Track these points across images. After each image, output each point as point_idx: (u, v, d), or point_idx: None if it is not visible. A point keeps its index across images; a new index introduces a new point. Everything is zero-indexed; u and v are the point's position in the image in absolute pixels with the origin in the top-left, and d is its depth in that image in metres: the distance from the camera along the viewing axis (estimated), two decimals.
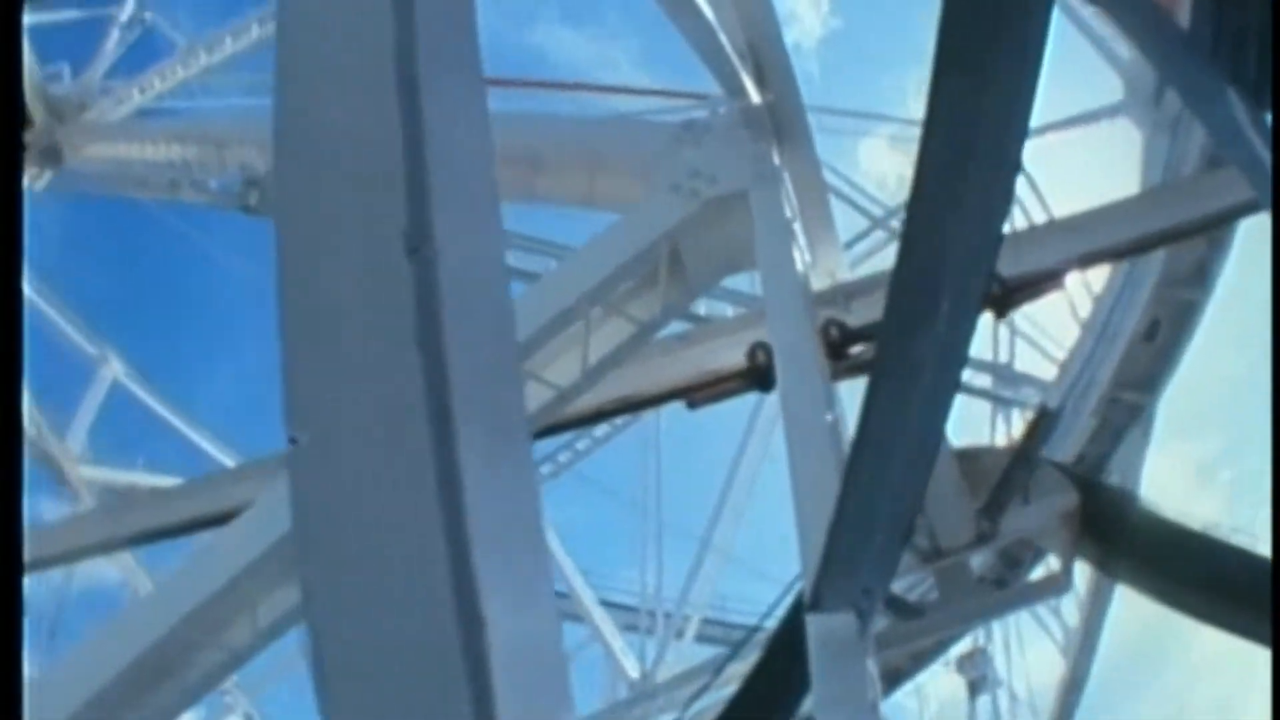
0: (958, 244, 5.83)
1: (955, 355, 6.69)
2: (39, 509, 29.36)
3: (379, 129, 3.10)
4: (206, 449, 27.97)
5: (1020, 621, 22.45)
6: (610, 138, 12.78)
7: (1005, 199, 5.97)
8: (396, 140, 3.05)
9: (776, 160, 10.69)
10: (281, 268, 3.11)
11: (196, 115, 21.90)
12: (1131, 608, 19.48)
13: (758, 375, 10.01)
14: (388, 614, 2.76)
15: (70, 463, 26.74)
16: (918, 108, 33.46)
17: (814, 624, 7.72)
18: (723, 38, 10.92)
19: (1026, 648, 23.79)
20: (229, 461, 25.29)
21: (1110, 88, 20.85)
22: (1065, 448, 16.73)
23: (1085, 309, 18.30)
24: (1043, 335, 19.76)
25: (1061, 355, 18.97)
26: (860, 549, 7.52)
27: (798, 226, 10.62)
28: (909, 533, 8.07)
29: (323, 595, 2.86)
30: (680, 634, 25.60)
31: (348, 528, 2.86)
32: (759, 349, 9.93)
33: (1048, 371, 19.31)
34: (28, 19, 22.38)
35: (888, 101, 44.19)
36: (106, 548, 16.11)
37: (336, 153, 3.20)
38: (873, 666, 7.83)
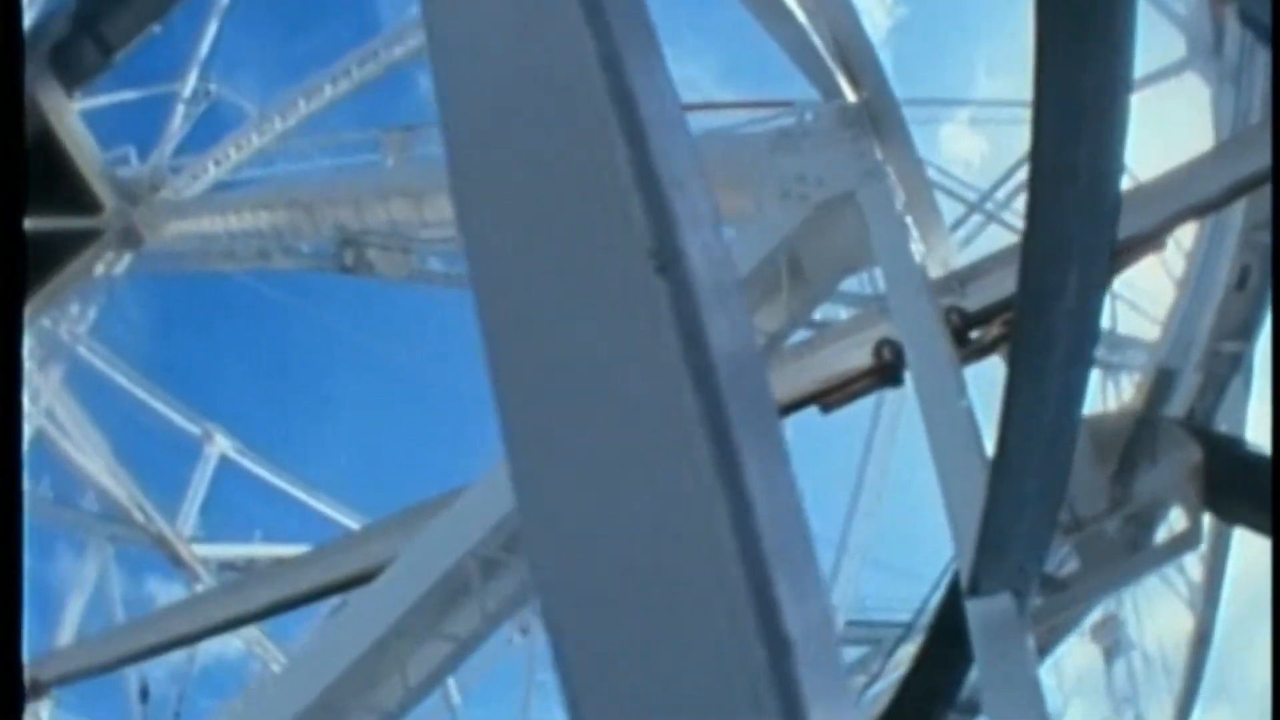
0: (1080, 214, 6.03)
1: (1088, 326, 6.84)
2: (154, 592, 30.08)
3: (598, 146, 3.14)
4: (325, 513, 28.30)
5: (1146, 582, 22.46)
6: (705, 154, 12.83)
7: (1118, 164, 6.05)
8: (621, 157, 3.08)
9: (879, 156, 10.83)
10: (497, 298, 3.18)
11: (279, 181, 22.13)
12: (1252, 556, 19.37)
13: (887, 372, 10.18)
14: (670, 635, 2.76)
15: (183, 544, 27.12)
16: (990, 87, 33.44)
17: (974, 609, 7.90)
18: (816, 41, 11.04)
19: (1152, 607, 23.90)
20: (350, 523, 25.57)
21: (1172, 46, 20.67)
22: (1175, 405, 16.68)
23: (1178, 267, 18.19)
24: (1140, 297, 19.64)
25: (1160, 315, 18.86)
26: (1013, 530, 7.67)
27: (908, 219, 10.61)
28: (1059, 508, 8.15)
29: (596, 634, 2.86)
30: None
31: (635, 560, 2.88)
32: (885, 346, 10.08)
33: (1149, 332, 19.20)
34: (86, 104, 22.91)
35: (959, 84, 44.24)
36: (237, 623, 16.40)
37: (552, 173, 3.24)
38: (1032, 644, 8.12)
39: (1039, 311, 6.46)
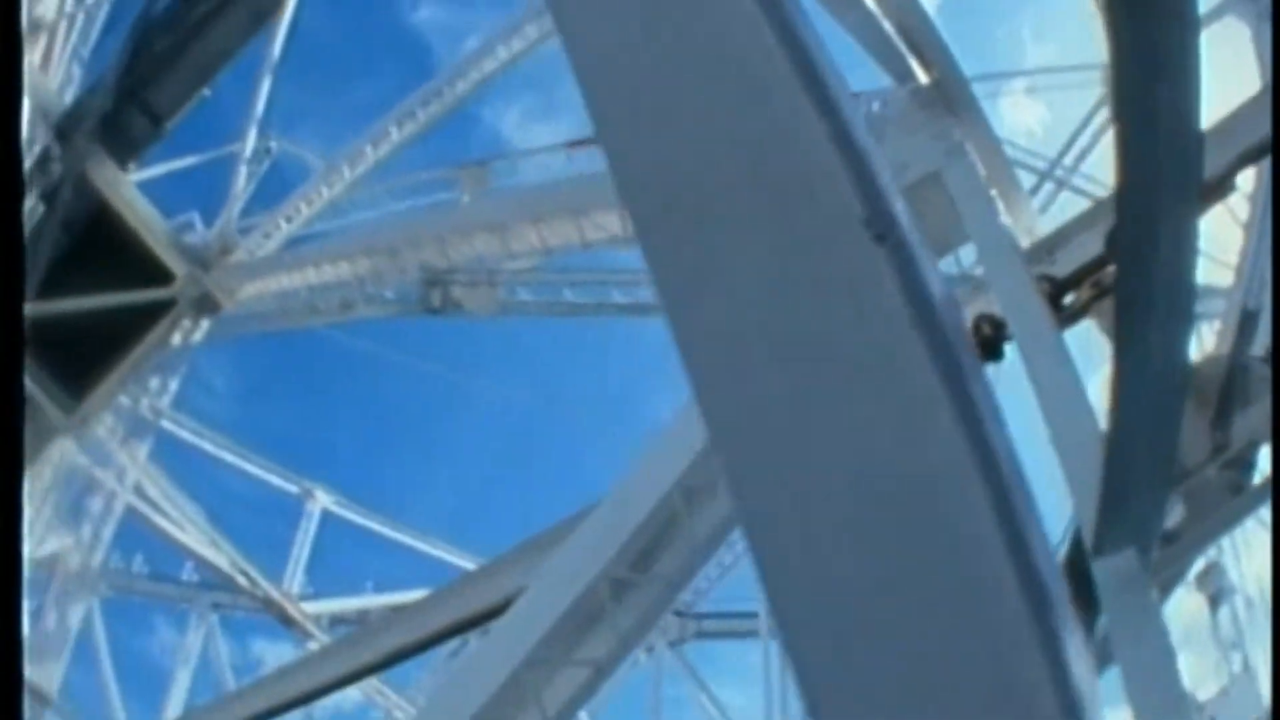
0: (1166, 161, 6.14)
1: (1185, 273, 6.92)
2: (261, 654, 30.44)
3: (793, 123, 3.26)
4: (437, 556, 28.54)
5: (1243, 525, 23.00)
6: None
7: (1195, 108, 6.07)
8: (819, 132, 3.21)
9: (958, 134, 11.07)
10: (710, 294, 3.33)
11: (356, 229, 22.21)
12: None
13: (988, 346, 10.40)
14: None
15: (292, 603, 27.28)
16: (1040, 54, 33.50)
17: (1100, 568, 8.05)
18: (887, 26, 11.32)
19: (1250, 551, 24.26)
20: (462, 564, 25.73)
21: None
22: (1256, 346, 16.83)
23: (1242, 211, 18.25)
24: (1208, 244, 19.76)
25: (1230, 260, 18.93)
26: (1133, 486, 7.93)
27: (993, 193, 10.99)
28: (1173, 461, 8.36)
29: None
30: None
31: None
32: (984, 321, 10.31)
33: (1223, 278, 19.29)
34: (143, 175, 22.96)
35: (1010, 55, 44.24)
36: (360, 674, 16.53)
37: (763, 157, 3.33)
38: (1157, 598, 8.42)
39: (1137, 264, 6.67)
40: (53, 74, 25.78)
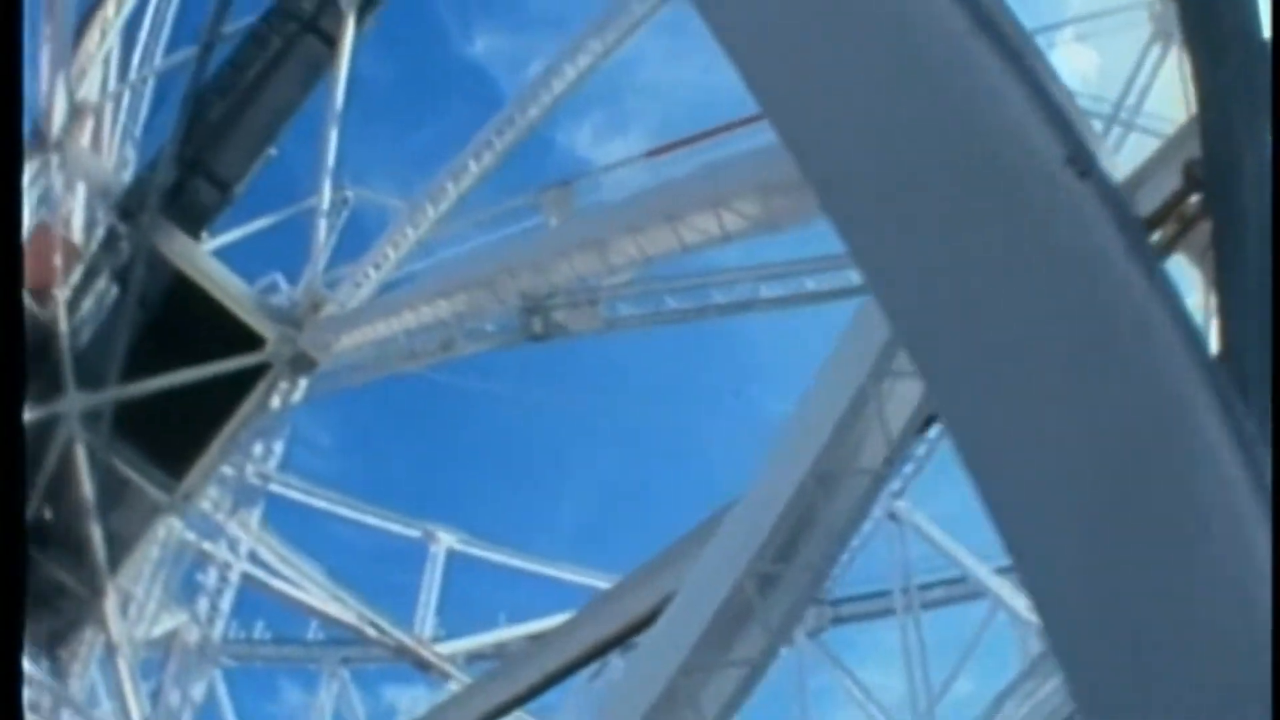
0: (1239, 82, 6.17)
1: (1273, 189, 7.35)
2: (394, 700, 30.99)
3: (982, 75, 3.56)
4: (568, 580, 28.90)
5: None
6: None
7: (1258, 21, 6.22)
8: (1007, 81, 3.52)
9: None
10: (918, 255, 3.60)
11: (449, 266, 22.28)
12: None
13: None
14: None
15: (426, 647, 27.63)
16: (1082, 1, 33.54)
17: None
18: None
19: None
20: (595, 584, 25.99)
21: None
22: None
23: None
24: None
25: None
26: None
27: None
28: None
29: None
30: None
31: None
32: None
33: None
34: (219, 242, 23.18)
35: (1052, 4, 44.48)
36: (511, 706, 16.70)
37: (971, 117, 3.62)
38: None
39: (1226, 186, 6.90)
40: (105, 155, 26.06)
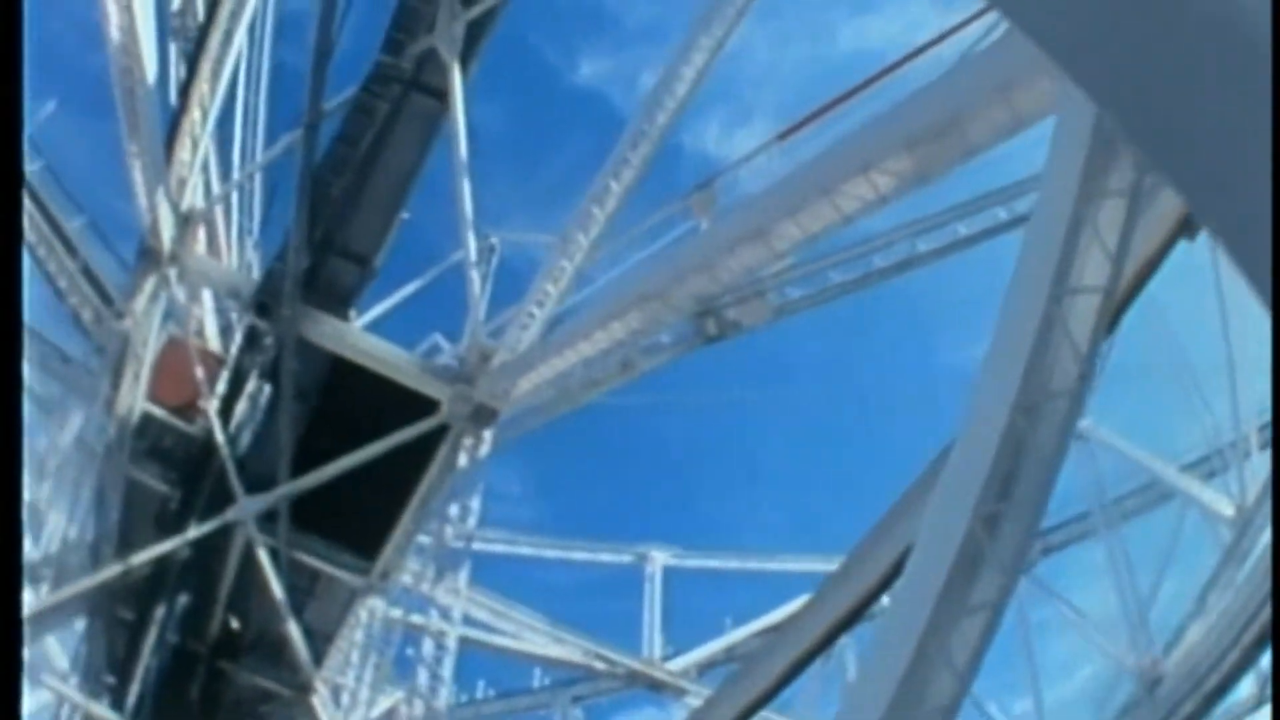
0: None
1: None
2: None
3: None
4: (789, 570, 29.57)
5: None
6: (1000, 60, 13.96)
7: None
8: None
9: None
10: None
11: (612, 289, 22.73)
12: None
13: None
14: None
15: (659, 667, 28.41)
16: None
17: None
18: None
19: None
20: (817, 568, 26.53)
21: None
22: None
23: None
24: None
25: None
26: None
27: None
28: None
29: None
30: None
31: None
32: None
33: None
34: (368, 316, 23.75)
35: None
36: (759, 705, 17.10)
37: None
38: None
39: None
40: (225, 258, 26.68)
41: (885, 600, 15.59)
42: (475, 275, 23.05)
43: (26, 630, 24.09)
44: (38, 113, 33.60)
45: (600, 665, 28.63)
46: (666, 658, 29.61)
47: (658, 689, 28.94)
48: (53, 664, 33.57)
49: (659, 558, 30.41)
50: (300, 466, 23.85)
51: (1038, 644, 29.02)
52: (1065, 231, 10.73)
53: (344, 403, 23.82)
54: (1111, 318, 11.31)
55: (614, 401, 25.39)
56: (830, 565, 22.15)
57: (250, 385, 24.59)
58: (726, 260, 19.18)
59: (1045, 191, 11.59)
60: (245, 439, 24.78)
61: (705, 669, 29.59)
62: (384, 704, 26.39)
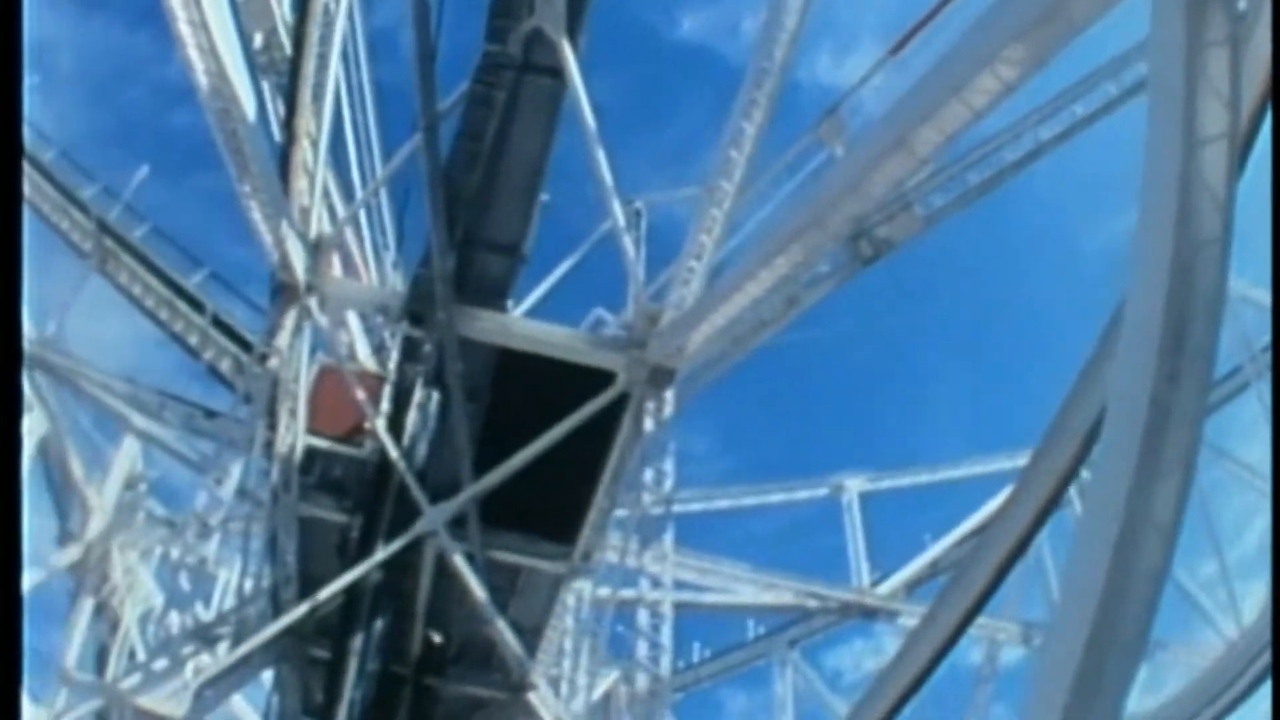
0: None
1: None
2: (843, 660, 33.02)
3: None
4: (977, 474, 30.35)
5: None
6: None
7: None
8: None
9: None
10: None
11: (767, 229, 23.55)
12: None
13: None
14: None
15: (870, 594, 29.37)
16: None
17: None
18: None
19: None
20: (1006, 467, 27.35)
21: None
22: None
23: None
24: None
25: None
26: None
27: None
28: None
29: None
30: None
31: None
32: None
33: None
34: (527, 304, 24.66)
35: None
36: (970, 616, 17.63)
37: None
38: None
39: None
40: (364, 278, 27.62)
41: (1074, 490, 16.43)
42: (628, 241, 23.97)
43: (211, 694, 25.09)
44: (131, 179, 34.87)
45: (813, 603, 29.59)
46: (875, 584, 30.63)
47: (871, 616, 29.91)
48: None
49: (852, 485, 31.42)
50: (482, 465, 24.84)
51: (1214, 504, 29.74)
52: (1183, 88, 11.44)
53: (516, 393, 24.75)
54: (1238, 163, 12.04)
55: (783, 341, 26.33)
56: (1019, 461, 22.87)
57: (417, 395, 25.36)
58: (873, 177, 19.89)
59: (1154, 56, 12.20)
60: (421, 450, 25.53)
61: (914, 588, 30.56)
62: (603, 686, 27.33)
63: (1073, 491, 17.00)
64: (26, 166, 35.82)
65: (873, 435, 46.05)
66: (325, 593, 25.06)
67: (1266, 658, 24.98)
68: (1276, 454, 9.61)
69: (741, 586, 29.91)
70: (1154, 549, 11.29)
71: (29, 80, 37.44)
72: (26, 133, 36.21)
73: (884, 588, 30.80)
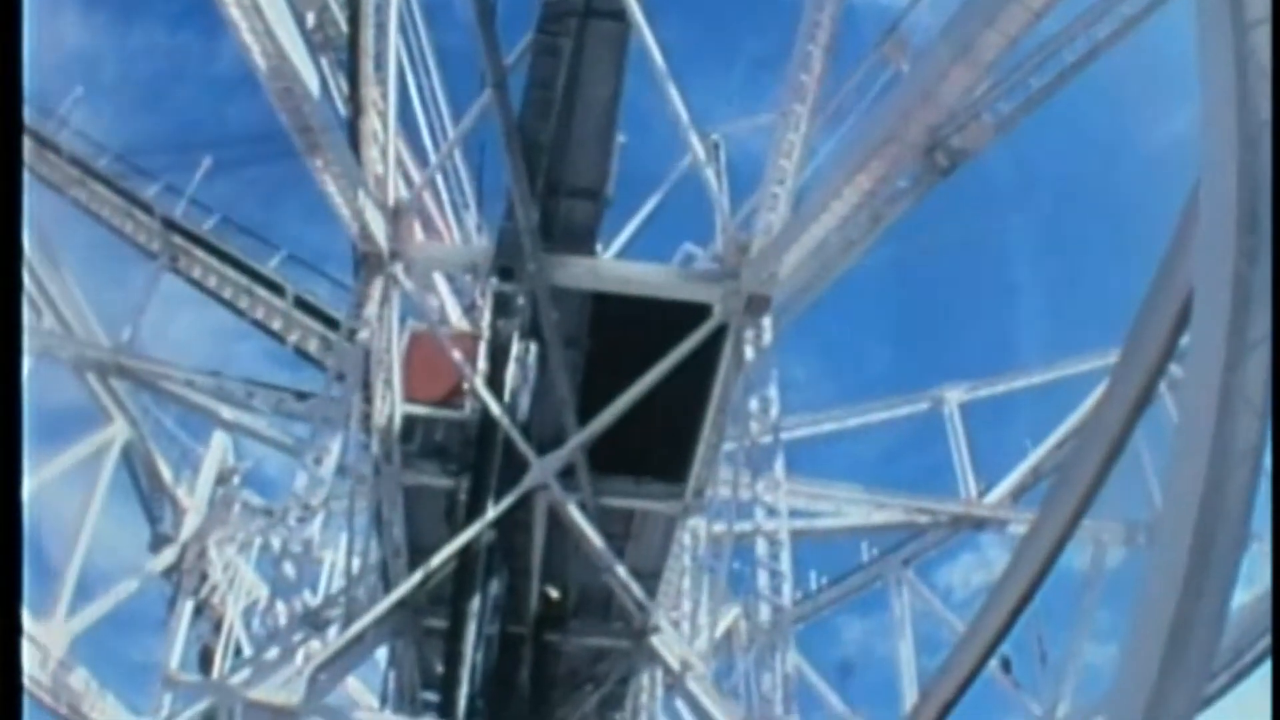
0: None
1: None
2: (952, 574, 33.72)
3: None
4: (1071, 374, 31.10)
5: None
6: None
7: None
8: None
9: None
10: None
11: (841, 149, 24.32)
12: None
13: None
14: None
15: (977, 505, 30.15)
16: None
17: None
18: None
19: None
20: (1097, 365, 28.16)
21: None
22: None
23: None
24: None
25: None
26: None
27: None
28: None
29: None
30: None
31: None
32: None
33: None
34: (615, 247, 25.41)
35: None
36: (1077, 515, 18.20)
37: None
38: None
39: None
40: (448, 239, 28.37)
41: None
42: (711, 173, 24.69)
43: (325, 678, 25.50)
44: (194, 173, 35.74)
45: (923, 519, 30.35)
46: (982, 494, 31.41)
47: (981, 527, 30.68)
48: (360, 703, 35.54)
49: (951, 397, 32.19)
50: (586, 413, 25.40)
51: None
52: None
53: (614, 336, 25.37)
54: None
55: (871, 260, 27.12)
56: (1110, 359, 23.49)
57: (514, 349, 25.81)
58: (942, 87, 20.61)
59: None
60: (523, 404, 25.95)
61: (1020, 495, 31.32)
62: (725, 623, 28.03)
63: (1163, 386, 17.35)
64: (83, 175, 36.79)
65: (968, 346, 46.83)
66: (438, 558, 25.36)
67: None
68: (1276, 463, 10.02)
69: (853, 509, 30.67)
70: (1250, 428, 11.56)
71: (74, 93, 38.45)
72: (77, 143, 37.19)
73: (991, 497, 31.58)
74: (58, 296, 34.83)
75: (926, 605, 32.61)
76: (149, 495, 38.56)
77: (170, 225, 35.56)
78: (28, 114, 26.24)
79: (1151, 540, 13.95)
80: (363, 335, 26.28)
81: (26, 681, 28.89)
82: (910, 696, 31.04)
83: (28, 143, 31.74)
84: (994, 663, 28.09)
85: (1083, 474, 17.85)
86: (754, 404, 25.48)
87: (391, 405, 26.56)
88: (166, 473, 38.08)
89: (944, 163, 25.48)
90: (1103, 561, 32.56)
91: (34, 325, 33.38)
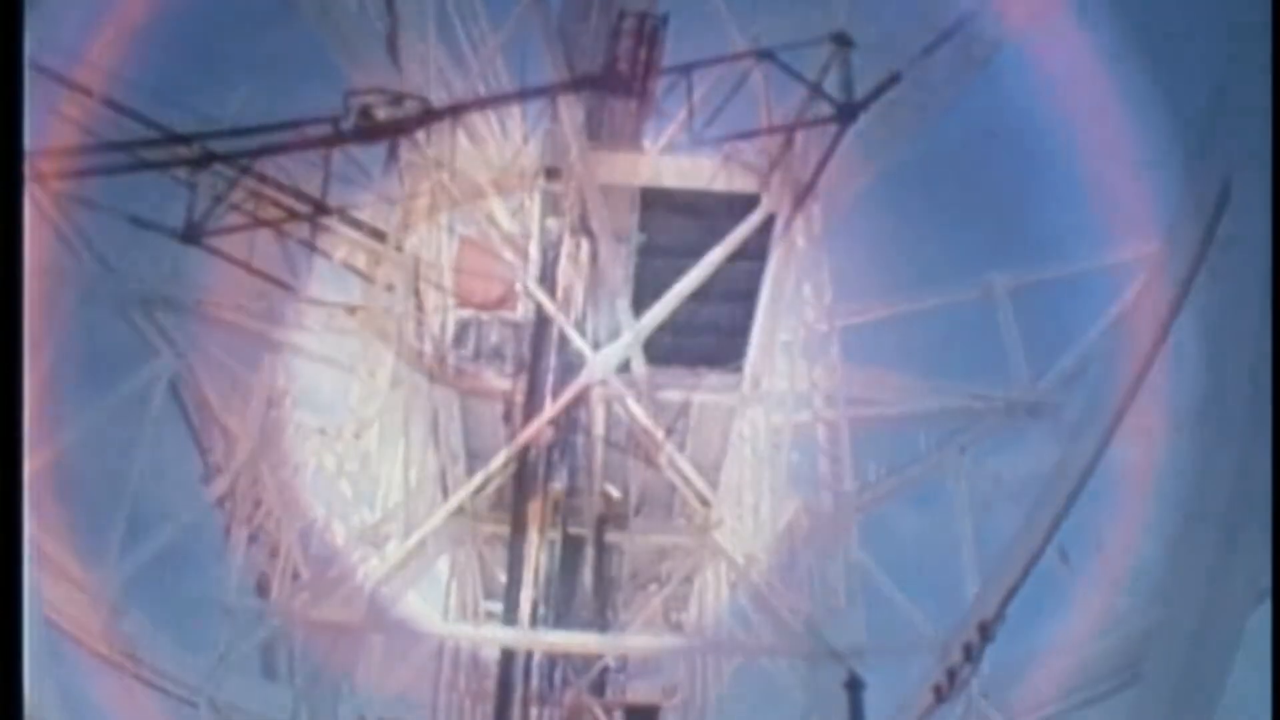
0: None
1: None
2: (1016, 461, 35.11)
3: None
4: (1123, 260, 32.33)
5: None
6: None
7: None
8: None
9: None
10: None
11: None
12: None
13: None
14: None
15: (1030, 391, 31.75)
16: None
17: None
18: None
19: None
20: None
21: None
22: None
23: None
24: None
25: None
26: None
27: None
28: None
29: None
30: None
31: None
32: None
33: None
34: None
35: None
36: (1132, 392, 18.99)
37: None
38: None
39: None
40: (491, 144, 29.35)
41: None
42: (757, 71, 25.55)
43: (388, 590, 26.43)
44: (231, 100, 36.61)
45: (978, 404, 31.47)
46: (1035, 380, 32.53)
47: (1035, 413, 31.78)
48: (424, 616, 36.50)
49: (1001, 283, 33.27)
50: (640, 307, 26.33)
51: None
52: None
53: (664, 229, 26.27)
54: None
55: (917, 149, 27.99)
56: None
57: (565, 247, 27.06)
58: None
59: None
60: (577, 301, 27.13)
61: (1071, 380, 32.32)
62: (784, 517, 29.01)
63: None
64: (112, 112, 37.57)
65: (1017, 233, 47.78)
66: (496, 461, 26.21)
67: None
68: (1276, 466, 10.62)
69: (908, 398, 31.83)
70: None
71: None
72: (101, 81, 37.80)
73: (1044, 383, 32.65)
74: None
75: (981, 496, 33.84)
76: (199, 427, 39.19)
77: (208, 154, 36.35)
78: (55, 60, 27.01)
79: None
80: (411, 243, 27.12)
81: (77, 630, 29.32)
82: (971, 586, 32.07)
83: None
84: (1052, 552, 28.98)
85: (1127, 362, 18.71)
86: (807, 291, 26.52)
87: (444, 312, 27.49)
88: (215, 401, 38.75)
89: (980, 54, 26.27)
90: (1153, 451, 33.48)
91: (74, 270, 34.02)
